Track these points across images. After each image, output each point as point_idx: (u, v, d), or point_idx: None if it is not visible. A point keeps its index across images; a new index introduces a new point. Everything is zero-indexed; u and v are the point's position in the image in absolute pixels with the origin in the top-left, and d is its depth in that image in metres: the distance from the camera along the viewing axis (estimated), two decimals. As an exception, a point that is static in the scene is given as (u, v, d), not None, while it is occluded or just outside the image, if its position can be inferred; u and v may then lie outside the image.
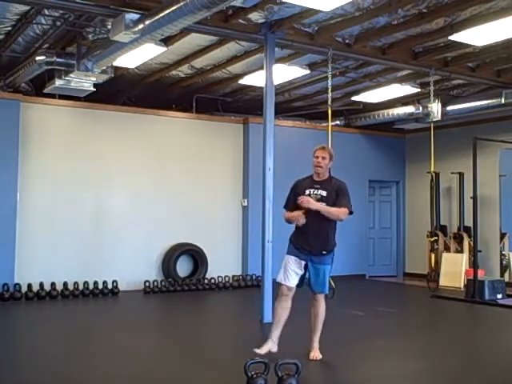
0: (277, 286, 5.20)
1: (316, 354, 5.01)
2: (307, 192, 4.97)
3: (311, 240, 4.95)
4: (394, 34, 7.24)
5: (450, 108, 10.00)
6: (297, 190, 5.06)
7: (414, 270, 11.97)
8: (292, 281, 5.00)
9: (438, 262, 10.38)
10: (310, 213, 4.90)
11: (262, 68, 7.64)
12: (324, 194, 4.95)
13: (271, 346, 5.05)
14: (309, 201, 4.86)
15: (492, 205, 10.70)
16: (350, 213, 4.96)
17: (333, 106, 8.44)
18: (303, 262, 4.98)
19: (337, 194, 4.96)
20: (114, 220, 9.45)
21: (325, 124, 10.45)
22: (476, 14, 6.53)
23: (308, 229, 4.94)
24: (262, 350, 4.97)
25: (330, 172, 5.16)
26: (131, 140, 9.67)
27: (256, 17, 6.73)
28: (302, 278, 5.03)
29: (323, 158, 5.02)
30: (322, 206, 4.87)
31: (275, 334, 5.07)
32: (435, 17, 6.62)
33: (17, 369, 4.83)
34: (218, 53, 8.08)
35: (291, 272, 4.99)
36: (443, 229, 11.33)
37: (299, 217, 4.93)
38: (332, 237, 5.05)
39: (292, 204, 5.04)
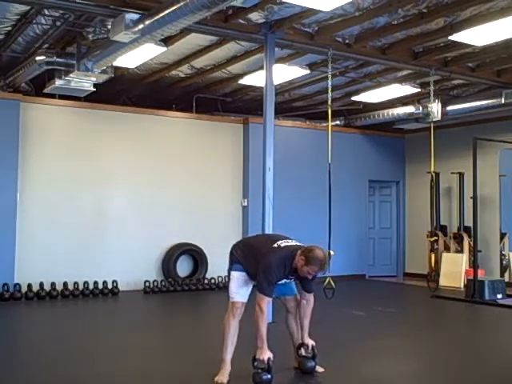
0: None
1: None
2: (283, 281, 4.63)
3: None
4: (394, 34, 7.24)
5: (450, 108, 9.99)
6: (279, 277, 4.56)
7: (413, 270, 11.97)
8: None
9: (437, 262, 10.38)
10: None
11: (262, 68, 7.64)
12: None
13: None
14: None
15: (492, 205, 10.70)
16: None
17: (333, 106, 8.44)
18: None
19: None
20: (114, 220, 9.45)
21: (325, 124, 10.44)
22: (476, 13, 6.52)
23: None
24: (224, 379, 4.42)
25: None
26: (131, 140, 9.67)
27: (256, 17, 6.73)
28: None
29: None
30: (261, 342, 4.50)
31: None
32: (435, 17, 6.62)
33: (17, 369, 4.83)
34: (218, 53, 8.08)
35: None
36: (443, 229, 11.34)
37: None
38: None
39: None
